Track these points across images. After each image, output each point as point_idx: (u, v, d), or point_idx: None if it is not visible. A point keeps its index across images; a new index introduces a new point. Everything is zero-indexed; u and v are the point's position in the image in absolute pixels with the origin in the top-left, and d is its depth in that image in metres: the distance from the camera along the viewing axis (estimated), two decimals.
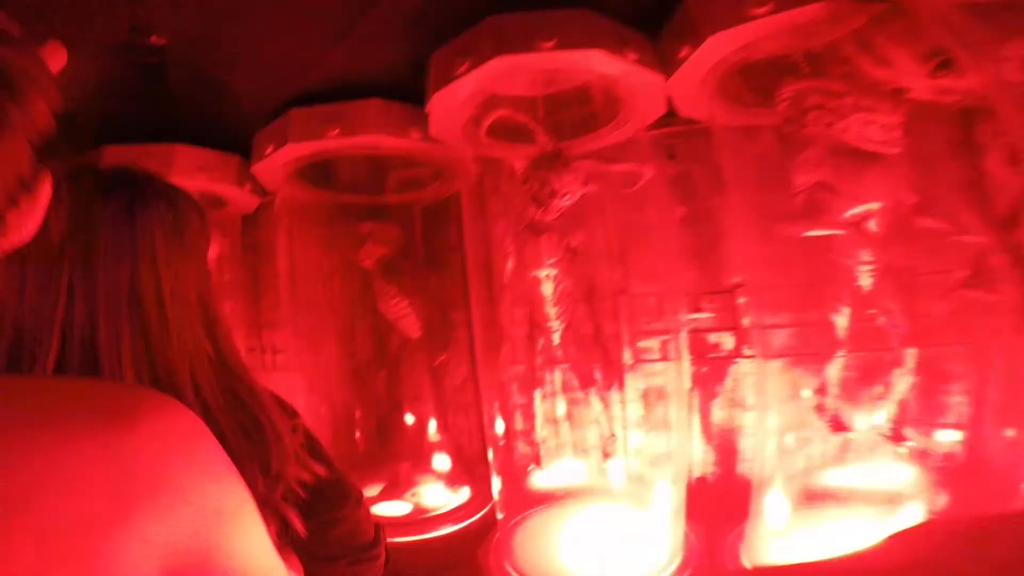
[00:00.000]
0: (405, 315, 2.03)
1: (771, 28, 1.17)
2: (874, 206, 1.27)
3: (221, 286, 2.24)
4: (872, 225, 1.28)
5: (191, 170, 1.85)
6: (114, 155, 1.76)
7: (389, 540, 0.73)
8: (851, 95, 1.20)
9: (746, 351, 1.74)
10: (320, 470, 0.59)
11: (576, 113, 1.66)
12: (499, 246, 1.71)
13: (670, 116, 1.58)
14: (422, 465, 2.05)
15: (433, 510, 1.90)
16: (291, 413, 0.65)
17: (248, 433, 0.53)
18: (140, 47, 1.48)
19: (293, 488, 0.55)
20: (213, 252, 2.19)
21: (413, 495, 1.95)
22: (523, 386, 1.74)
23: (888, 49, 1.15)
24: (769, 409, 1.50)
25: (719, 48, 1.24)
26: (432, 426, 2.10)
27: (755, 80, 1.40)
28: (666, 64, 1.37)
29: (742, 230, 1.62)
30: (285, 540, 0.56)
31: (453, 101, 1.38)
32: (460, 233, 1.93)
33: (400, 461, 2.04)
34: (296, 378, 2.05)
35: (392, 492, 1.96)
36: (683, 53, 1.29)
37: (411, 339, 2.07)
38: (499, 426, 1.76)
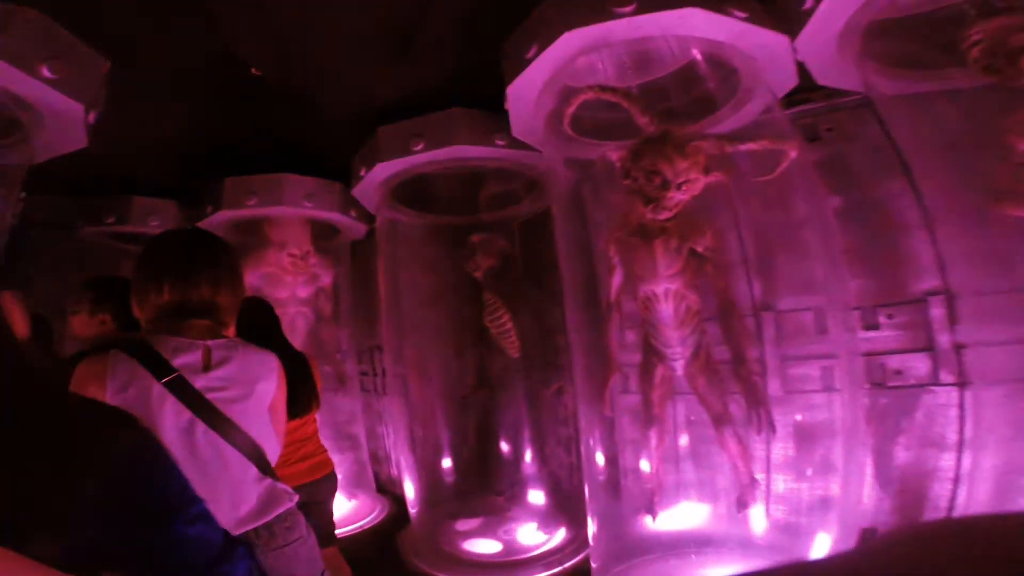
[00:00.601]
0: (507, 331, 1.95)
1: None
2: None
3: (337, 311, 2.28)
4: None
5: (298, 198, 1.91)
6: (234, 185, 1.87)
7: None
8: None
9: (945, 377, 1.38)
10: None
11: (685, 100, 1.37)
12: (603, 259, 1.40)
13: (808, 91, 1.30)
14: (517, 500, 1.91)
15: (525, 551, 1.71)
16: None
17: (55, 462, 0.48)
18: (241, 80, 1.50)
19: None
20: (327, 279, 2.20)
21: (506, 532, 1.79)
22: (636, 419, 1.46)
23: None
24: (984, 448, 1.20)
25: None
26: (528, 458, 1.95)
27: (918, 37, 1.11)
28: (788, 22, 1.12)
29: (932, 221, 1.30)
30: None
31: (530, 91, 1.21)
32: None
33: (494, 494, 1.93)
34: (397, 402, 2.00)
35: (484, 528, 1.84)
36: (807, 4, 1.05)
37: (512, 359, 1.96)
38: (600, 462, 1.51)
